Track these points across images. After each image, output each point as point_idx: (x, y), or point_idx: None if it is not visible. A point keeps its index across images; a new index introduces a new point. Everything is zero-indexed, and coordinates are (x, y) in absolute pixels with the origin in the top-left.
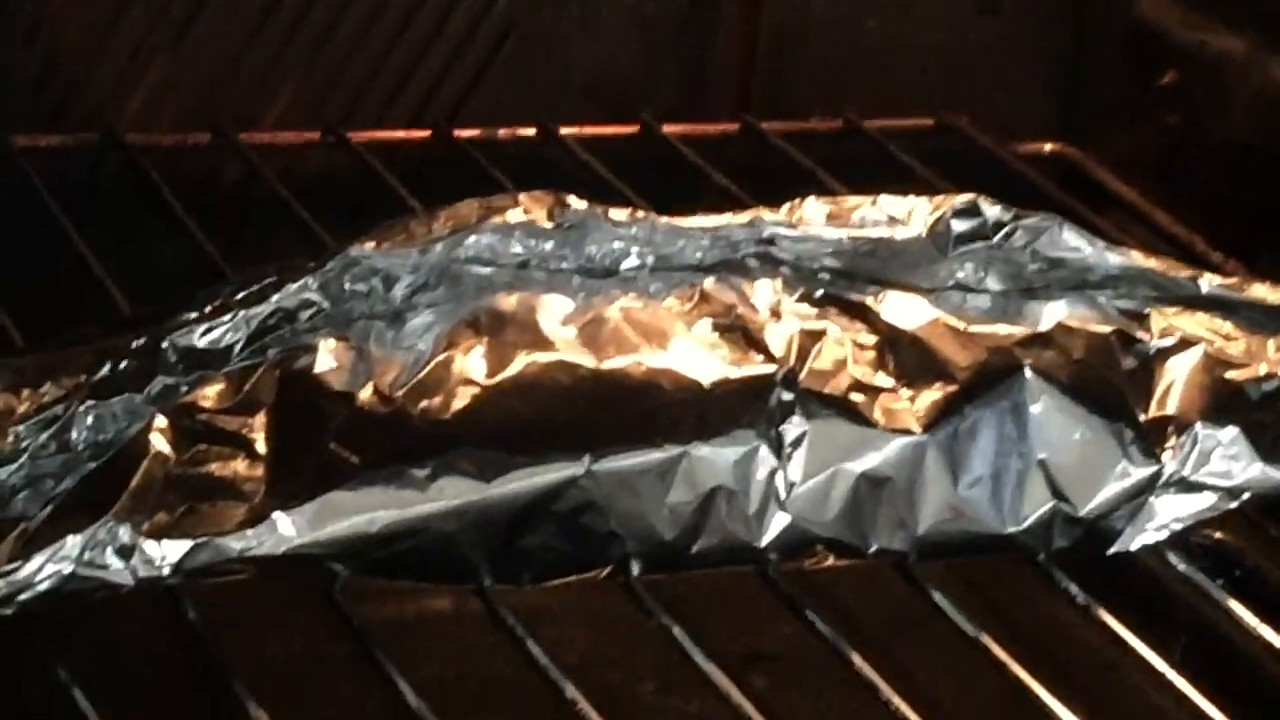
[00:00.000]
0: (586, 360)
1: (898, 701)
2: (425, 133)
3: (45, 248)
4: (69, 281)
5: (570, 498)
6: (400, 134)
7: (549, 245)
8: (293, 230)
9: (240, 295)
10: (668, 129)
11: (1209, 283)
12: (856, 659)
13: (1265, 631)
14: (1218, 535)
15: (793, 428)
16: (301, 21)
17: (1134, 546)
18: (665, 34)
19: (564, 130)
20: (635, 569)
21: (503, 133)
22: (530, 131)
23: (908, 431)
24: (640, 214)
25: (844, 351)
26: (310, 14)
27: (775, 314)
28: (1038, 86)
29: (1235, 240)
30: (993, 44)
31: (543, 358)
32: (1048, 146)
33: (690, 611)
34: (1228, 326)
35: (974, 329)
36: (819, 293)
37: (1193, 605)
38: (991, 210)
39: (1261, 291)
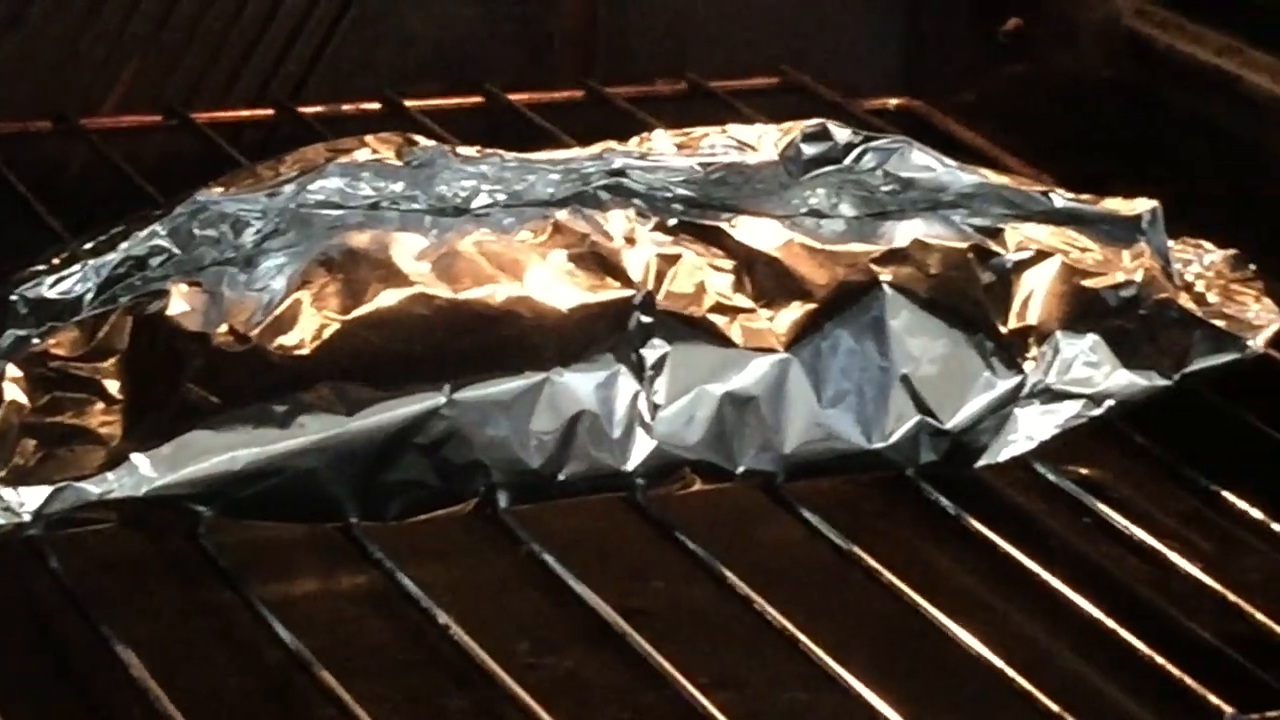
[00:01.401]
0: (443, 291)
1: (804, 640)
2: (269, 111)
3: None
4: None
5: (433, 428)
6: (244, 113)
7: (398, 186)
8: None
9: (89, 245)
10: (513, 97)
11: (1061, 197)
12: (738, 584)
13: (1138, 532)
14: (1084, 471)
15: (653, 350)
16: (138, 3)
17: (1001, 458)
18: (505, 2)
19: (409, 103)
20: (503, 500)
21: (347, 108)
22: (375, 105)
23: (770, 350)
24: (489, 151)
25: (701, 274)
26: None
27: (630, 241)
28: (881, 43)
29: (1085, 180)
30: (834, 1)
31: (399, 291)
32: (893, 101)
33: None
34: (1082, 239)
35: (830, 248)
36: (672, 221)
37: (1059, 533)
38: (841, 133)
39: (1114, 204)
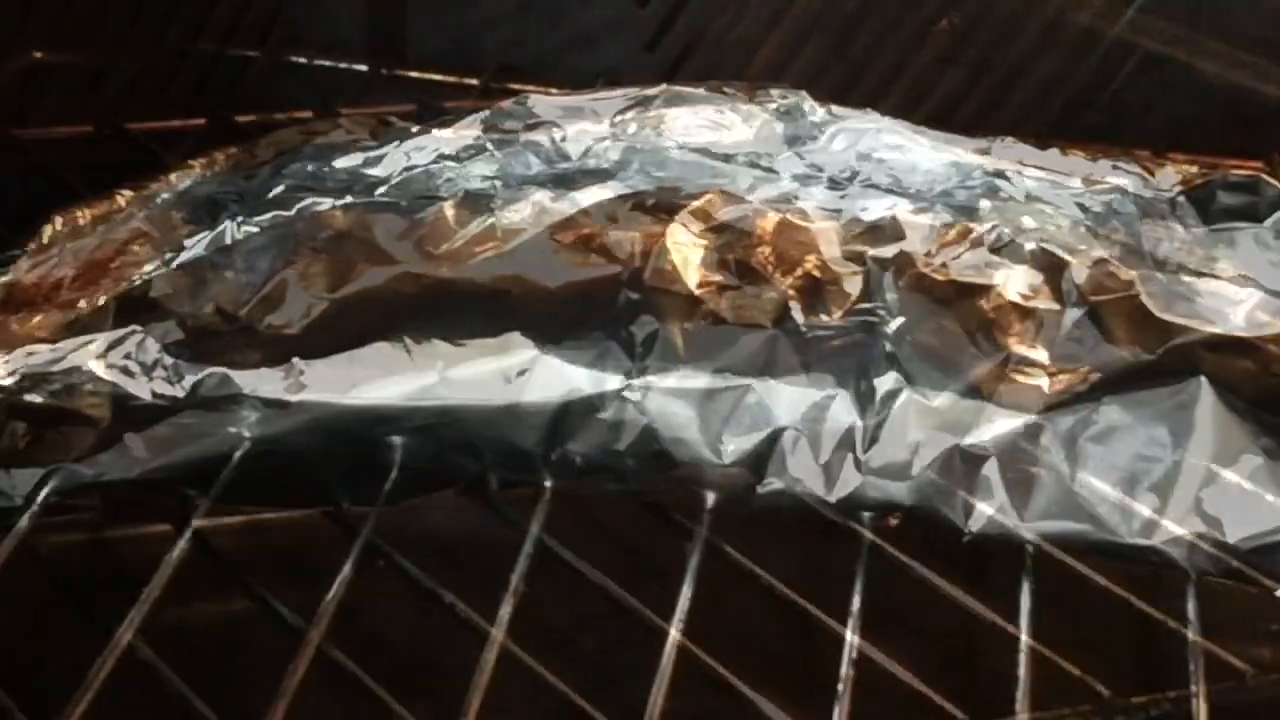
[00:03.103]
0: (429, 270)
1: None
2: (202, 120)
3: None
4: None
5: (425, 408)
6: (177, 123)
7: (377, 170)
8: None
9: (65, 229)
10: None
11: None
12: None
13: None
14: None
15: (642, 328)
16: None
17: None
18: None
19: (344, 111)
20: (493, 482)
21: (280, 116)
22: (308, 114)
23: (760, 326)
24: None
25: (687, 251)
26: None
27: (612, 219)
28: None
29: None
30: None
31: (385, 270)
32: None
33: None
34: None
35: (815, 225)
36: (651, 201)
37: None
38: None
39: None
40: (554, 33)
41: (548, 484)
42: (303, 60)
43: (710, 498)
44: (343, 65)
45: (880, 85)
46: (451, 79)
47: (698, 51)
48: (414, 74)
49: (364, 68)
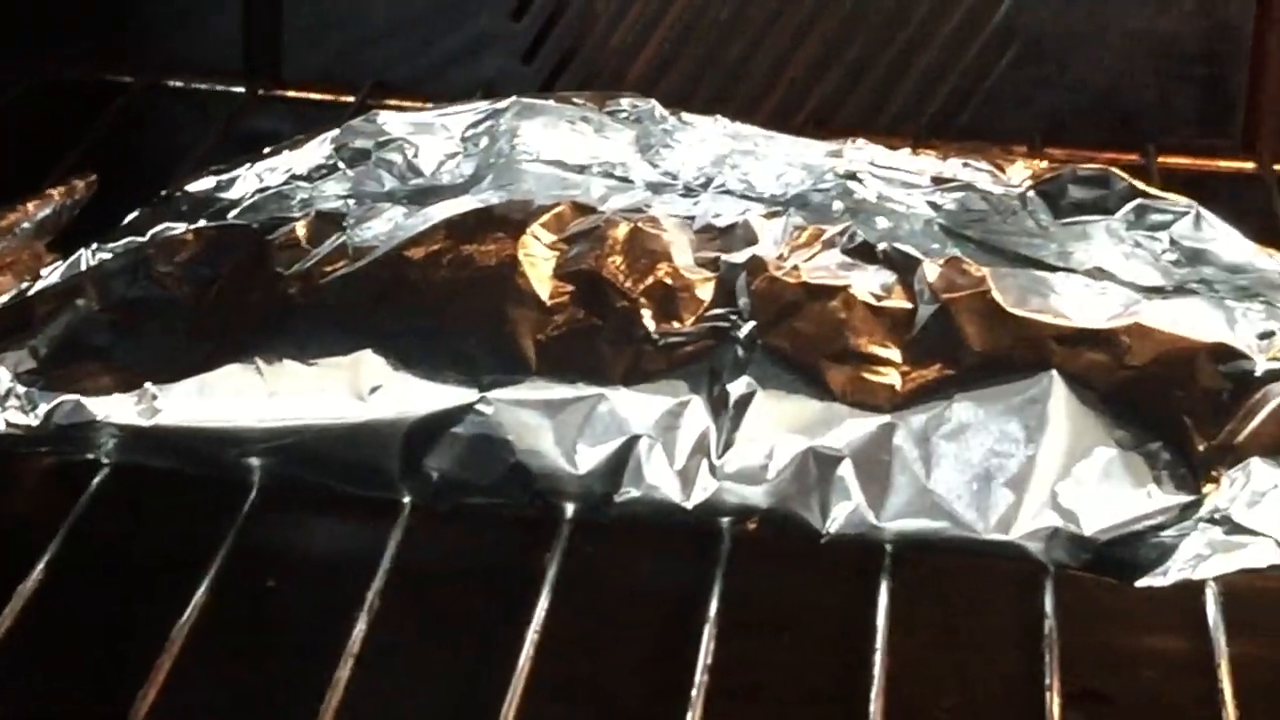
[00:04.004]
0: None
1: None
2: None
3: None
4: None
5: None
6: None
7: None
8: None
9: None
10: None
11: None
12: None
13: None
14: None
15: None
16: None
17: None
18: None
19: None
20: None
21: None
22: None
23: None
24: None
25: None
26: None
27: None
28: None
29: None
30: None
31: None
32: None
33: None
34: None
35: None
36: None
37: None
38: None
39: None
40: (431, 48)
41: (406, 500)
42: (179, 84)
43: (569, 508)
44: (219, 88)
45: (759, 90)
46: (329, 98)
47: (574, 62)
48: (291, 94)
49: (240, 89)
